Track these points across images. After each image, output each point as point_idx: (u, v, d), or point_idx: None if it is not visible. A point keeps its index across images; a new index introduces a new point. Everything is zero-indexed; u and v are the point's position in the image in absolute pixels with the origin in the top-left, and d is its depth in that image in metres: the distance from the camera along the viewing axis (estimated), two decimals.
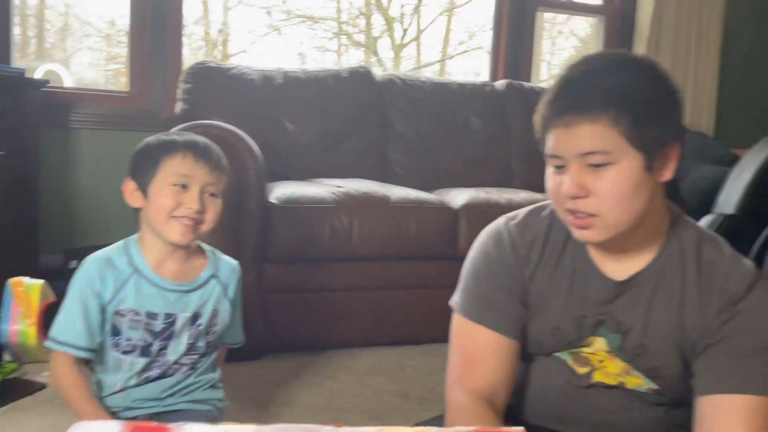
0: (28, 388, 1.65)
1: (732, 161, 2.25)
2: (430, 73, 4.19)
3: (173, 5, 2.76)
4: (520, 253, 1.00)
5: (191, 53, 3.76)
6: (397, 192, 2.21)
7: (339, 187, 2.14)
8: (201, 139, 1.16)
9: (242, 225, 1.92)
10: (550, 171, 0.92)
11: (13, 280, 1.72)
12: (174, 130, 1.95)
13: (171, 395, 1.15)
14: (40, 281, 1.74)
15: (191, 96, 2.43)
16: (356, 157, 2.62)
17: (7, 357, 1.75)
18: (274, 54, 3.96)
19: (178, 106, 2.46)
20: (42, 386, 1.66)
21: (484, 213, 2.11)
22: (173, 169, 1.10)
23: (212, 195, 1.13)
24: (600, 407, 0.99)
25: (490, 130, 2.87)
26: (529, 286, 1.00)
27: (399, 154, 2.73)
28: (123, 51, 2.98)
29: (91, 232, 2.66)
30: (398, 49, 4.30)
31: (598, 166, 0.86)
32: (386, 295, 2.14)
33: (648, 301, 0.95)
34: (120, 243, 1.17)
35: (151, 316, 1.12)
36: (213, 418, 1.18)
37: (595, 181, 0.86)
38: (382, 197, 2.14)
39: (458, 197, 2.31)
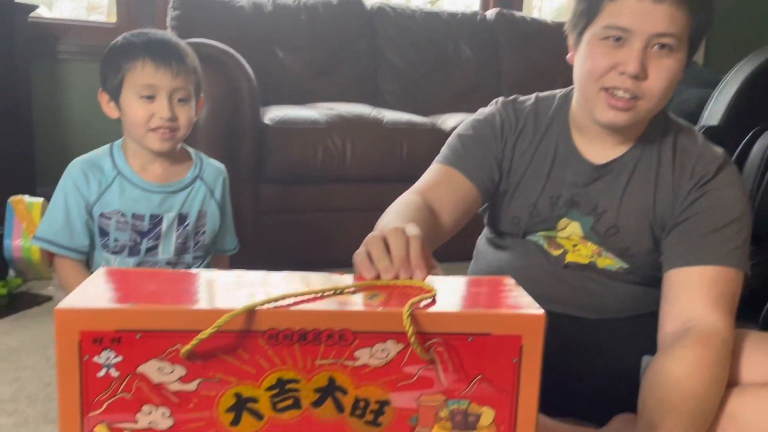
0: (35, 299, 1.71)
1: (718, 83, 2.28)
2: (421, 2, 4.14)
3: None
4: (507, 124, 1.05)
5: None
6: (389, 115, 2.23)
7: (331, 109, 2.16)
8: (159, 38, 1.14)
9: (237, 145, 1.95)
10: (598, 43, 0.91)
11: (13, 198, 1.75)
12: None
13: None
14: (41, 199, 1.77)
15: (180, 23, 2.42)
16: (347, 85, 2.63)
17: (11, 273, 1.79)
18: None
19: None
20: (48, 298, 1.72)
21: None
22: (136, 80, 1.10)
23: (181, 101, 1.13)
24: (577, 285, 1.06)
25: (481, 59, 2.87)
26: (509, 155, 1.05)
27: (389, 83, 2.74)
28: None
29: None
30: None
31: (663, 48, 0.87)
32: (378, 217, 2.18)
33: (624, 184, 1.00)
34: (106, 147, 1.19)
35: (137, 217, 1.15)
36: None
37: (655, 66, 0.88)
38: (374, 119, 2.17)
39: (449, 120, 2.35)
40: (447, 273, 0.65)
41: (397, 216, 0.89)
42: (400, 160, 2.16)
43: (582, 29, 0.94)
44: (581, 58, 0.94)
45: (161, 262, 1.19)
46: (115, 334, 0.51)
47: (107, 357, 0.52)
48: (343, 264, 0.66)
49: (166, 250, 1.19)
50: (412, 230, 0.65)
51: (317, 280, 0.60)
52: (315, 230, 2.13)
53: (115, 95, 1.12)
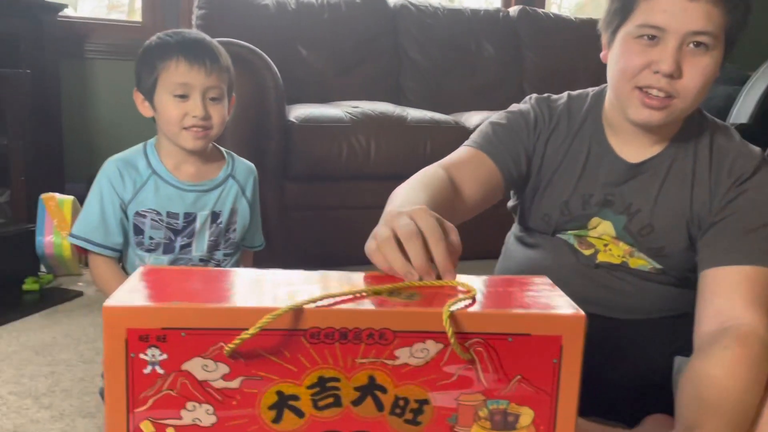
0: (66, 295, 1.74)
1: (746, 81, 2.25)
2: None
3: None
4: (540, 119, 1.05)
5: None
6: (413, 113, 2.24)
7: (355, 107, 2.17)
8: (193, 37, 1.15)
9: (263, 143, 1.97)
10: (631, 42, 0.90)
11: (45, 196, 1.79)
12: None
13: None
14: (71, 197, 1.81)
15: (206, 22, 2.44)
16: (369, 83, 2.64)
17: (42, 269, 1.83)
18: None
19: None
20: (79, 293, 1.75)
21: None
22: (170, 78, 1.11)
23: (214, 99, 1.14)
24: (608, 285, 1.05)
25: (503, 56, 2.86)
26: (541, 151, 1.04)
27: (412, 80, 2.74)
28: None
29: None
30: None
31: (698, 47, 0.87)
32: None
33: (659, 184, 0.99)
34: (139, 146, 1.21)
35: (172, 215, 1.17)
36: None
37: (690, 65, 0.87)
38: (398, 117, 2.17)
39: (472, 118, 2.34)
40: (474, 271, 0.65)
41: (416, 190, 0.85)
42: (424, 158, 2.14)
43: (616, 28, 0.94)
44: (615, 57, 0.94)
45: (194, 259, 1.20)
46: (161, 332, 0.52)
47: (153, 354, 0.53)
48: (368, 261, 0.66)
49: (199, 247, 1.21)
50: (432, 234, 0.60)
51: (353, 279, 0.61)
52: (339, 227, 2.14)
53: (150, 95, 1.14)
